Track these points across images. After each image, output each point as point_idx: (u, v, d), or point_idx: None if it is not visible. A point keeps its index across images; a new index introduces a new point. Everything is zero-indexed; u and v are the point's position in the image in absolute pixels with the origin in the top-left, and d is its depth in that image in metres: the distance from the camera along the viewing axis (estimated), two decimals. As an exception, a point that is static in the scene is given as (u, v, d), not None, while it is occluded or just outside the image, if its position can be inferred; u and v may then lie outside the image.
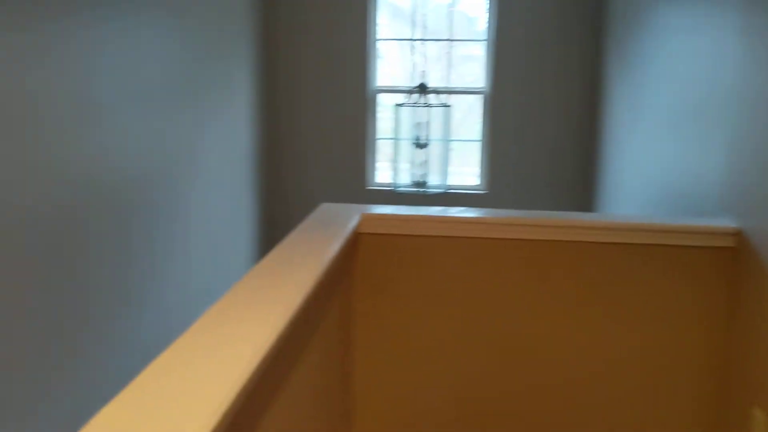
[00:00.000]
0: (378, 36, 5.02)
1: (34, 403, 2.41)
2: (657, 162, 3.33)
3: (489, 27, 4.90)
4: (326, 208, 2.51)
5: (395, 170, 3.81)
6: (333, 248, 1.90)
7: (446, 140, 3.73)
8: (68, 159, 2.56)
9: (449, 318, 2.37)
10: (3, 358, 2.22)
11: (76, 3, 2.55)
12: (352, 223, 2.26)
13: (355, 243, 2.35)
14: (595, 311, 2.30)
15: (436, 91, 3.67)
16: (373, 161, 5.13)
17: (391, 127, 4.29)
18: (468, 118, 5.77)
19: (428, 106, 3.54)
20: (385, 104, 5.21)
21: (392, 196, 5.02)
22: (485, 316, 2.36)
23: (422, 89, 3.63)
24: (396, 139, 3.77)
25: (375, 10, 4.95)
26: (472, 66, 5.37)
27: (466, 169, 5.48)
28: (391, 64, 5.32)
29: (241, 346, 1.15)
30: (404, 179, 3.82)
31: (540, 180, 4.98)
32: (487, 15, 4.92)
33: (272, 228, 5.15)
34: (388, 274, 2.39)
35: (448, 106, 3.65)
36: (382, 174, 5.25)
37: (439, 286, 2.37)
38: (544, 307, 2.33)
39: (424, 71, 3.64)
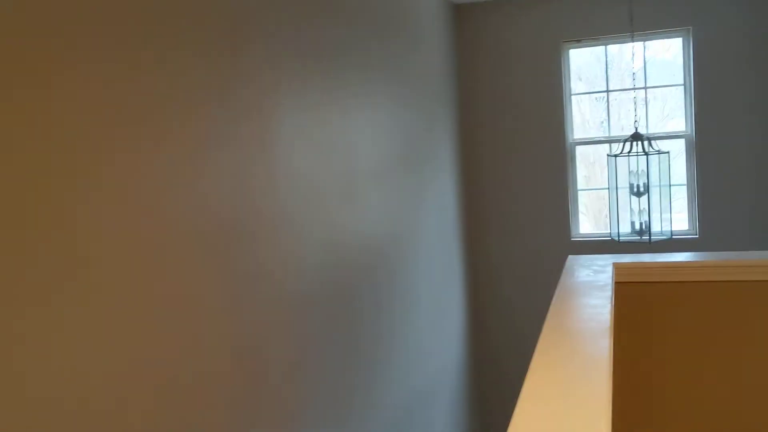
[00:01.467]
0: (572, 90, 5.14)
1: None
2: None
3: (686, 70, 4.87)
4: (577, 261, 2.62)
5: (612, 220, 3.84)
6: (607, 305, 1.98)
7: (664, 186, 3.72)
8: (329, 227, 2.88)
9: (711, 365, 2.36)
10: (268, 414, 2.50)
11: (338, 98, 2.92)
12: (611, 274, 2.35)
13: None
14: None
15: (643, 139, 3.69)
16: (576, 212, 5.19)
17: (603, 177, 4.36)
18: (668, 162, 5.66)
19: (646, 153, 3.57)
20: (583, 155, 5.28)
21: (602, 245, 5.02)
22: (748, 362, 2.32)
23: (635, 138, 3.67)
24: (611, 189, 3.82)
25: (567, 65, 5.09)
26: (669, 109, 5.32)
27: (672, 215, 5.36)
28: (588, 117, 5.41)
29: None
30: (617, 229, 3.84)
31: (755, 222, 4.77)
32: (683, 58, 4.89)
33: (479, 283, 5.32)
34: (643, 320, 2.43)
35: (666, 152, 3.66)
36: (584, 225, 5.28)
37: (695, 331, 2.37)
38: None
39: (636, 120, 3.69)
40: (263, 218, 2.31)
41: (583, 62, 5.34)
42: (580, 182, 5.27)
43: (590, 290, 2.16)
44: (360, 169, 3.18)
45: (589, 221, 5.78)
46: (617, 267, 2.46)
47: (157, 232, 1.75)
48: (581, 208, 5.33)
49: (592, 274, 2.36)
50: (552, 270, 5.00)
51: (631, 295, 2.44)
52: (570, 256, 2.69)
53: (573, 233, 5.17)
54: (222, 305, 2.03)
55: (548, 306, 2.02)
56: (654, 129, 5.08)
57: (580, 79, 5.34)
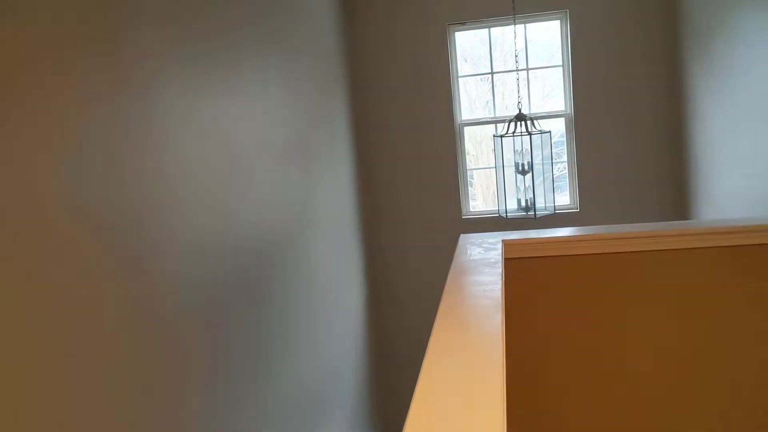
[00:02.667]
0: (459, 73, 5.26)
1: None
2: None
3: (564, 51, 5.09)
4: (468, 240, 2.69)
5: (500, 198, 3.98)
6: (498, 282, 2.04)
7: (547, 164, 3.89)
8: (224, 215, 2.82)
9: (600, 333, 2.51)
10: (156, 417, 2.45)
11: (221, 86, 2.84)
12: (501, 251, 2.43)
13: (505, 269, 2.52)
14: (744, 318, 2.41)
15: (527, 119, 3.83)
16: (467, 191, 5.33)
17: (490, 156, 4.51)
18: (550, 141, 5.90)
19: (529, 134, 3.71)
20: (471, 134, 5.43)
21: (491, 222, 5.19)
22: (635, 328, 2.48)
23: (519, 118, 3.81)
24: (497, 168, 3.95)
25: (453, 47, 5.19)
26: (549, 88, 5.55)
27: (555, 191, 5.61)
28: (474, 98, 5.55)
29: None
30: (504, 206, 3.98)
31: (631, 195, 5.09)
32: (561, 39, 5.10)
33: (377, 263, 5.38)
34: (534, 293, 2.54)
35: (548, 132, 3.82)
36: (475, 203, 5.45)
37: (583, 301, 2.51)
38: (693, 316, 2.45)
39: (520, 101, 3.83)
40: (152, 205, 2.23)
41: (468, 44, 5.47)
42: (470, 161, 5.43)
43: (482, 267, 2.23)
44: (256, 154, 3.13)
45: (479, 199, 5.96)
46: (506, 244, 2.55)
47: (33, 225, 1.65)
48: (471, 186, 5.48)
49: (483, 251, 2.44)
50: (446, 247, 5.13)
51: (521, 270, 2.54)
52: (462, 235, 2.76)
53: (464, 211, 5.32)
54: (113, 300, 1.95)
55: (443, 282, 2.07)
56: (536, 108, 5.29)
57: (466, 61, 5.47)
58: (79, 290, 1.79)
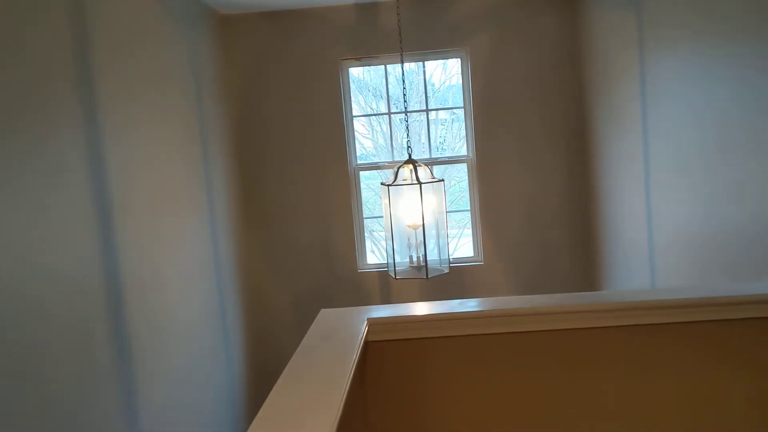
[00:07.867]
0: (354, 113, 4.84)
1: None
2: (685, 216, 3.11)
3: (465, 92, 4.75)
4: (327, 315, 2.22)
5: (390, 253, 3.53)
6: (348, 369, 1.64)
7: (442, 214, 3.47)
8: (73, 264, 2.25)
9: (470, 421, 2.06)
10: None
11: (61, 117, 2.29)
12: (361, 333, 1.97)
13: (364, 352, 2.05)
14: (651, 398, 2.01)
15: (417, 165, 3.42)
16: (363, 242, 4.87)
17: (381, 206, 4.09)
18: (452, 187, 5.54)
19: (419, 183, 3.29)
20: (370, 181, 4.99)
21: (384, 279, 4.74)
22: (506, 414, 2.06)
23: (409, 164, 3.39)
24: (385, 219, 3.51)
25: (347, 83, 4.77)
26: (451, 132, 5.20)
27: (449, 246, 5.23)
28: (371, 140, 5.14)
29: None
30: (394, 264, 3.53)
31: (536, 246, 4.74)
32: (462, 80, 4.77)
33: (261, 325, 4.82)
34: (397, 380, 2.09)
35: (441, 180, 3.41)
36: (373, 254, 4.99)
37: (453, 386, 2.07)
38: (573, 400, 2.03)
39: (409, 146, 3.42)
40: None
41: (375, 83, 5.07)
42: (368, 210, 4.97)
43: (331, 356, 1.76)
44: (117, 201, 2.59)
45: (378, 250, 5.53)
46: (371, 323, 2.09)
47: None
48: (371, 236, 5.03)
49: (342, 331, 1.98)
50: (341, 302, 4.65)
51: (384, 355, 2.08)
52: (322, 310, 2.29)
53: (360, 265, 4.84)
54: None
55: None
56: (449, 152, 4.91)
57: (370, 107, 5.06)
58: None
